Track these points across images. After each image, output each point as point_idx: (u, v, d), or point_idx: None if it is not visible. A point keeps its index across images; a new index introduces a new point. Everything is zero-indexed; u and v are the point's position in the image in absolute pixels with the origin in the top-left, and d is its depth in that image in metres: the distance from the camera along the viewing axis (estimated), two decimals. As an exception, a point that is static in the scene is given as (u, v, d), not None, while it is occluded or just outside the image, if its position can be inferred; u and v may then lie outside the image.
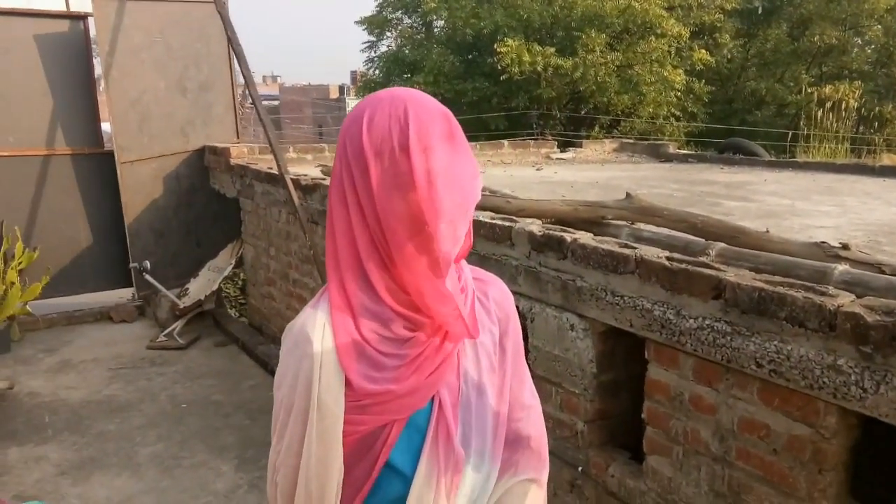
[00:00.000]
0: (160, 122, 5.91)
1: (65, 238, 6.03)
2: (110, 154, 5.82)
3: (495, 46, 12.40)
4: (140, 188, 5.92)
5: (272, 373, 4.97)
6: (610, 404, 2.58)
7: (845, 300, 1.78)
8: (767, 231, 2.47)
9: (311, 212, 4.39)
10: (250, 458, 3.86)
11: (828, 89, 13.87)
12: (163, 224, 6.13)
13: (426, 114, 0.98)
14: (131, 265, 5.87)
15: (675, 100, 14.06)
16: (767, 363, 1.89)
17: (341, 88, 42.66)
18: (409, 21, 18.42)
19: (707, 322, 2.04)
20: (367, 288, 1.01)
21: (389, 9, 18.20)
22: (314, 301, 1.10)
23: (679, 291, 2.11)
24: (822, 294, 1.81)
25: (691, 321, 2.08)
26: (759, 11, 17.24)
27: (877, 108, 14.32)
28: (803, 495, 1.88)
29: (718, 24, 15.97)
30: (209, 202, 6.30)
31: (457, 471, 1.07)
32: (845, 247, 2.29)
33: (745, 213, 3.94)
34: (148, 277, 5.66)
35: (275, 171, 5.06)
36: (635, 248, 2.31)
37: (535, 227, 2.66)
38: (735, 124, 16.23)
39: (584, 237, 2.49)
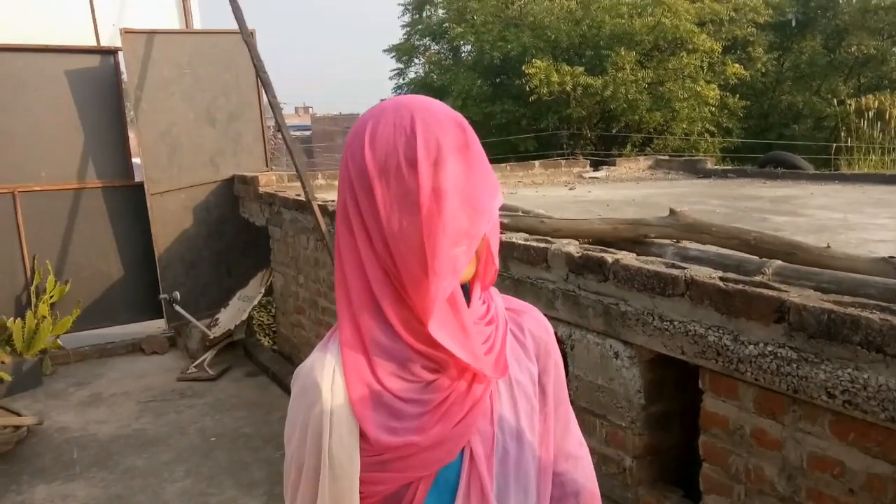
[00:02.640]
0: (190, 153, 5.92)
1: (96, 270, 6.04)
2: (140, 186, 5.83)
3: (523, 68, 12.33)
4: (170, 219, 5.91)
5: (303, 404, 4.88)
6: (660, 438, 2.38)
7: (930, 322, 1.58)
8: (828, 246, 2.27)
9: (339, 238, 4.29)
10: (280, 494, 3.69)
11: (869, 99, 13.47)
12: (193, 254, 6.10)
13: (436, 122, 0.85)
14: (161, 296, 5.84)
15: (709, 115, 13.78)
16: (841, 393, 1.69)
17: (372, 117, 43.12)
18: (437, 47, 18.52)
19: (769, 348, 1.84)
20: (383, 323, 0.88)
21: (417, 36, 18.33)
22: (324, 341, 0.97)
23: (736, 315, 1.92)
24: (903, 315, 1.62)
25: (751, 347, 1.89)
26: (793, 24, 16.89)
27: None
28: (890, 544, 1.66)
29: (751, 38, 15.68)
30: (239, 231, 6.27)
31: None
32: (919, 261, 2.08)
33: (796, 228, 3.72)
34: (178, 308, 5.62)
35: (303, 198, 5.00)
36: (684, 268, 2.13)
37: (573, 247, 2.49)
38: (772, 139, 15.85)
39: (627, 258, 2.32)
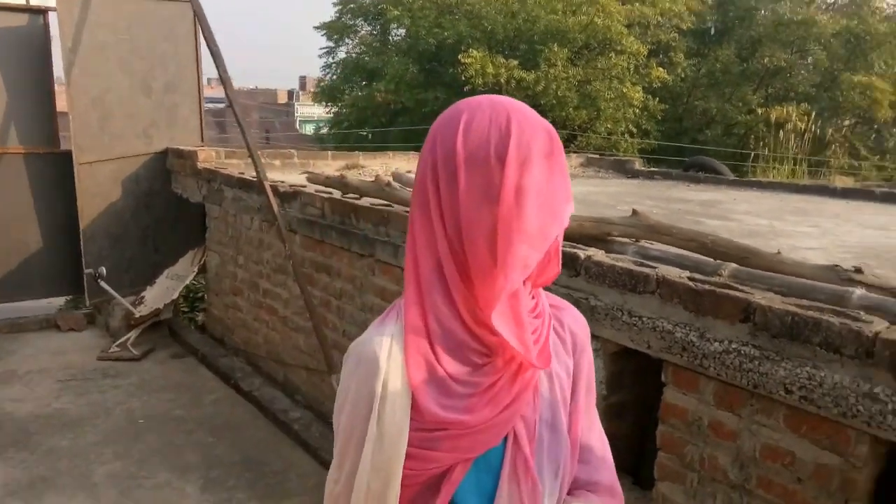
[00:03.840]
0: (122, 123, 5.62)
1: (12, 241, 5.67)
2: (67, 154, 5.50)
3: (459, 57, 12.39)
4: (97, 190, 5.61)
5: (235, 387, 4.79)
6: (616, 427, 2.52)
7: (881, 326, 1.76)
8: (779, 252, 2.46)
9: (289, 220, 4.23)
10: (216, 478, 3.66)
11: (776, 111, 14.40)
12: (119, 228, 5.83)
13: (529, 126, 0.90)
14: (86, 271, 5.55)
15: (632, 116, 14.32)
16: (798, 389, 1.86)
17: (290, 94, 42.12)
18: (369, 28, 18.28)
19: (733, 346, 2.00)
20: (447, 303, 0.93)
21: (349, 15, 18.02)
22: (380, 320, 1.01)
23: (704, 313, 2.07)
24: (857, 319, 1.79)
25: (716, 344, 2.04)
26: (712, 31, 17.76)
27: (818, 130, 14.90)
28: (834, 525, 1.85)
29: (674, 44, 16.37)
30: (169, 206, 6.03)
31: None
32: (858, 270, 2.29)
33: (730, 232, 3.95)
34: (103, 284, 5.36)
35: (246, 176, 4.88)
36: (655, 267, 2.26)
37: (543, 243, 2.58)
38: (686, 142, 16.64)
39: (599, 254, 2.43)
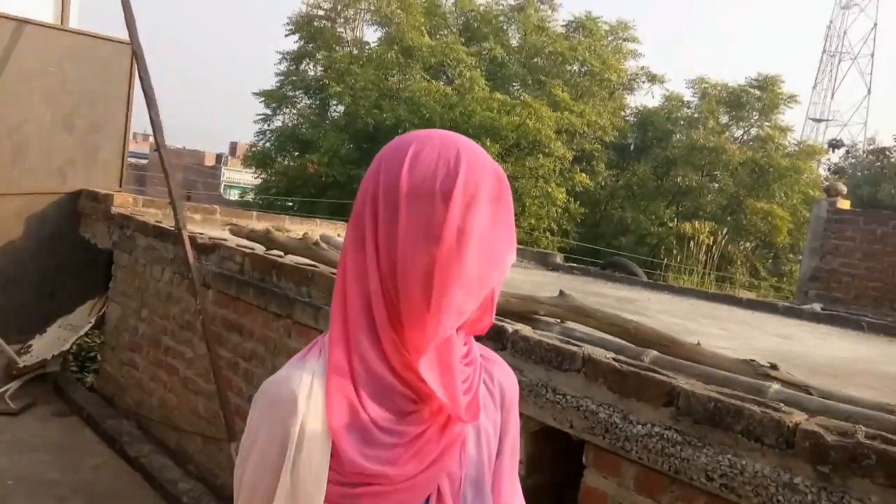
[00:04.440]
0: (37, 158, 5.34)
1: None
2: (-31, 182, 5.14)
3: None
4: (-2, 226, 5.23)
5: (121, 452, 4.38)
6: (532, 511, 2.42)
7: (800, 418, 1.78)
8: (699, 343, 2.50)
9: (204, 273, 4.03)
10: (89, 552, 3.26)
11: (686, 226, 15.33)
12: (15, 269, 5.41)
13: (479, 165, 0.86)
14: (-32, 311, 5.07)
15: (554, 215, 14.88)
16: (719, 477, 1.84)
17: (218, 157, 41.75)
18: (309, 101, 18.53)
19: (656, 429, 1.97)
20: (374, 344, 0.86)
21: (290, 86, 18.25)
22: (301, 355, 0.92)
23: (628, 395, 2.05)
24: (778, 410, 1.81)
25: (639, 427, 2.01)
26: (632, 148, 18.99)
27: (723, 247, 15.92)
28: None
29: (597, 154, 17.36)
30: (74, 252, 5.67)
31: None
32: (773, 367, 2.35)
33: (646, 326, 4.06)
34: (-13, 328, 4.90)
35: (163, 225, 4.66)
36: (580, 345, 2.25)
37: (471, 314, 2.54)
38: (602, 246, 17.40)
39: (526, 329, 2.40)
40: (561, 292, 2.76)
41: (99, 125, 5.65)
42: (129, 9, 4.39)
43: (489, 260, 0.85)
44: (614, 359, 2.15)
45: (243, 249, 3.84)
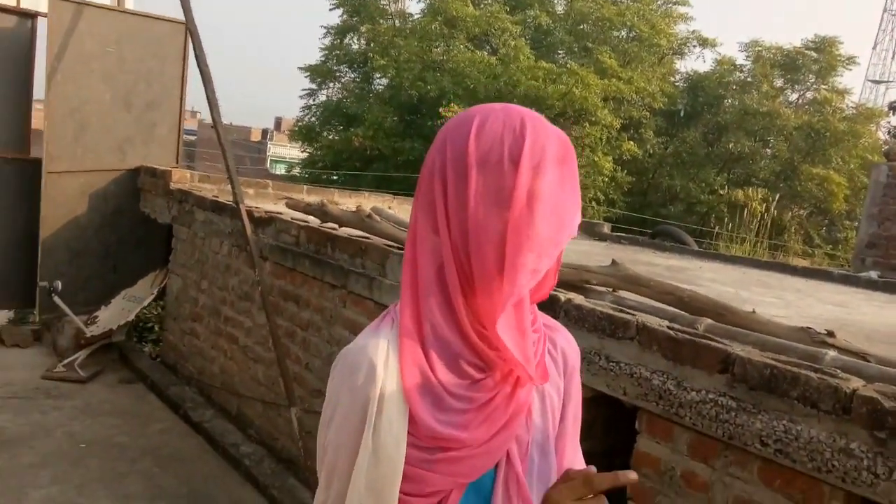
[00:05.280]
0: (98, 136, 5.55)
1: (-36, 246, 5.47)
2: (36, 162, 5.37)
3: (441, 110, 12.64)
4: (63, 201, 5.47)
5: (184, 417, 4.60)
6: (585, 475, 2.47)
7: (858, 384, 1.78)
8: (754, 311, 2.50)
9: (262, 246, 4.16)
10: (160, 509, 3.47)
11: (738, 193, 14.96)
12: (80, 243, 5.66)
13: (543, 130, 0.89)
14: (40, 284, 5.34)
15: (601, 185, 14.69)
16: (773, 442, 1.85)
17: (264, 132, 42.31)
18: (353, 75, 18.60)
19: (710, 396, 1.99)
20: (445, 311, 0.89)
21: (334, 60, 18.33)
22: (374, 326, 0.96)
23: (682, 362, 2.07)
24: (834, 376, 1.81)
25: (693, 394, 2.03)
26: (682, 114, 18.51)
27: (777, 215, 15.50)
28: (805, 584, 1.82)
29: (644, 121, 17.00)
30: (135, 226, 5.90)
31: None
32: (830, 334, 2.34)
33: (698, 295, 4.03)
34: (57, 300, 5.16)
35: (220, 199, 4.81)
36: (634, 314, 2.27)
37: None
38: (649, 215, 17.12)
39: (578, 298, 2.44)
40: (613, 261, 2.77)
41: (155, 103, 5.83)
42: (184, -12, 4.48)
43: (559, 220, 0.88)
44: (669, 327, 2.17)
45: (298, 222, 3.95)
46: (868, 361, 2.20)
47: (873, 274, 7.96)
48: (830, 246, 17.31)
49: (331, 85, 18.58)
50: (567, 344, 1.07)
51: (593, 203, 15.47)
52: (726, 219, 12.28)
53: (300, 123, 18.92)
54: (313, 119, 18.21)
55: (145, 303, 5.59)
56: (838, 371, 1.86)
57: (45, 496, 3.46)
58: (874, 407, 1.69)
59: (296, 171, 21.74)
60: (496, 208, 0.86)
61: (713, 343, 2.02)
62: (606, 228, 8.32)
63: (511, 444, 0.94)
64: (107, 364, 5.39)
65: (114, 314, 5.63)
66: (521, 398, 0.93)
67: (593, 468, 0.96)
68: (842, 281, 6.04)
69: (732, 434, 1.94)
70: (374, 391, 0.88)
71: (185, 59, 5.83)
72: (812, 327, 2.37)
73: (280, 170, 32.82)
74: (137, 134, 5.79)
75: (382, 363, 0.89)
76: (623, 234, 8.58)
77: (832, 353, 2.16)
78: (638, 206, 17.61)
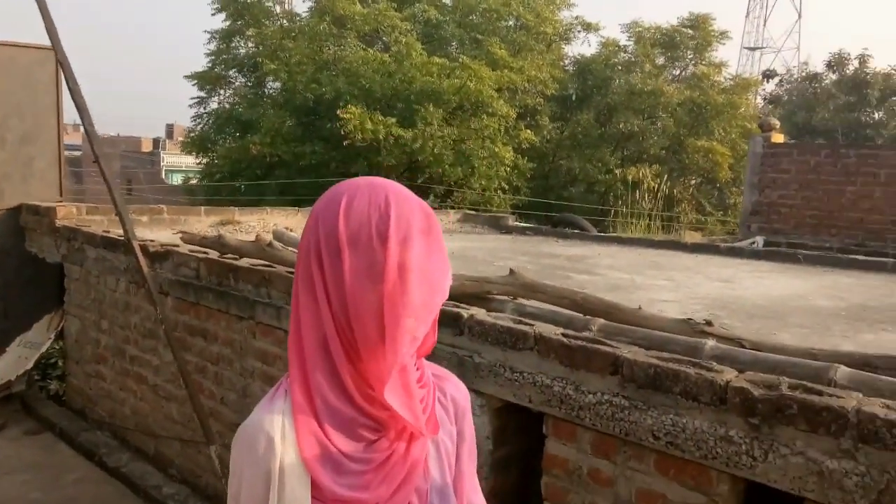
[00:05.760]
0: (-31, 176, 5.19)
1: None
2: None
3: (338, 112, 12.52)
4: (-63, 251, 5.10)
5: (100, 464, 4.43)
6: (503, 481, 2.59)
7: (730, 375, 1.96)
8: (640, 308, 2.68)
9: (160, 281, 4.04)
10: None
11: (632, 171, 15.66)
12: (-37, 292, 5.30)
13: (407, 205, 0.96)
14: (-79, 341, 4.97)
15: (504, 174, 15.00)
16: (664, 435, 2.02)
17: (156, 142, 40.51)
18: (243, 80, 18.08)
19: (605, 397, 2.14)
20: (334, 381, 0.96)
21: (222, 66, 17.75)
22: (267, 399, 1.01)
23: (577, 367, 2.21)
24: (710, 370, 1.99)
25: (590, 396, 2.17)
26: (573, 98, 19.14)
27: (668, 189, 16.36)
28: (702, 561, 2.00)
29: (539, 108, 17.45)
30: (22, 267, 5.56)
31: None
32: (709, 323, 2.54)
33: (595, 286, 4.24)
34: (-56, 355, 4.83)
35: (112, 234, 4.63)
36: (532, 324, 2.39)
37: (427, 303, 2.66)
38: (553, 198, 17.64)
39: (480, 313, 2.54)
40: (511, 270, 2.89)
41: (30, 136, 5.50)
42: (49, 16, 4.25)
43: (430, 287, 0.95)
44: (563, 334, 2.30)
45: (197, 254, 3.86)
46: (744, 347, 2.41)
47: (759, 240, 8.58)
48: (721, 212, 18.42)
49: (221, 91, 18.00)
50: (456, 390, 1.15)
51: (499, 192, 15.79)
52: (624, 196, 12.85)
53: (192, 134, 18.25)
54: (206, 128, 17.61)
55: (43, 348, 5.31)
56: (714, 364, 2.04)
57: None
58: (746, 396, 1.87)
59: (194, 180, 20.96)
60: (370, 282, 0.92)
61: (603, 347, 2.16)
62: (511, 221, 8.54)
63: (412, 496, 1.01)
64: (9, 416, 5.10)
65: (10, 363, 5.31)
66: (415, 453, 1.00)
67: None
68: (728, 253, 6.48)
69: (628, 431, 2.09)
70: (275, 463, 0.93)
71: (58, 86, 5.53)
72: (692, 318, 2.57)
73: (177, 180, 31.50)
74: (14, 170, 5.45)
75: (280, 436, 0.94)
76: (527, 226, 8.83)
77: (711, 342, 2.35)
78: (541, 191, 18.11)
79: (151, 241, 4.30)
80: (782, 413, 1.81)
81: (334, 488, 0.94)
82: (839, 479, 1.73)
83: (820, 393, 1.81)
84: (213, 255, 3.79)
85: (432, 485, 1.05)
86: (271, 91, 17.39)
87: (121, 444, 4.57)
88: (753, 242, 8.55)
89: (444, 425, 1.09)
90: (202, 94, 17.95)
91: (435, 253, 0.97)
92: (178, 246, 4.12)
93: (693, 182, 18.99)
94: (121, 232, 4.20)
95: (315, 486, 0.94)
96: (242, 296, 3.51)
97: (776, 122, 8.98)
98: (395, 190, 0.97)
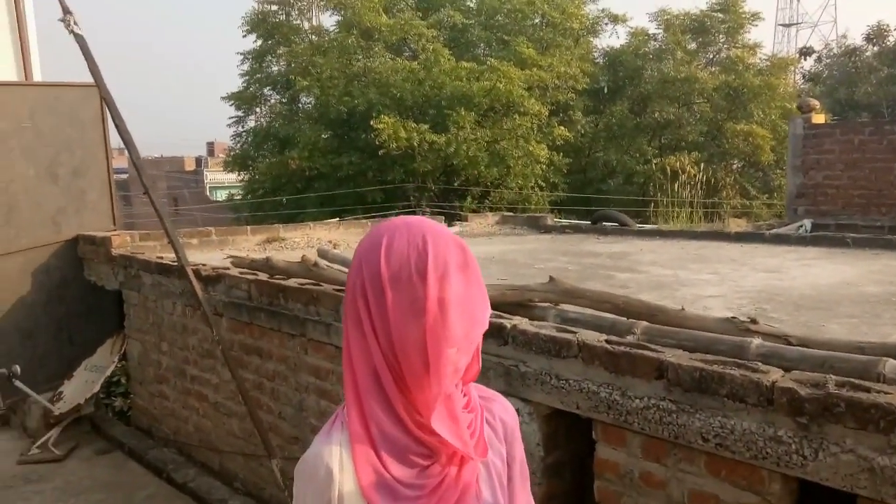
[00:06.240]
0: (29, 212, 5.47)
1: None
2: (-31, 249, 5.28)
3: (372, 123, 12.72)
4: (5, 285, 5.39)
5: (168, 480, 4.62)
6: (556, 486, 2.64)
7: (776, 375, 1.98)
8: (683, 309, 2.70)
9: (214, 303, 4.20)
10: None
11: (671, 160, 15.46)
12: (30, 322, 5.58)
13: (443, 243, 1.02)
14: (-2, 371, 5.26)
15: (539, 171, 15.00)
16: (713, 437, 2.05)
17: (198, 160, 41.50)
18: (277, 97, 18.48)
19: (652, 401, 2.18)
20: (386, 410, 1.02)
21: (256, 85, 18.18)
22: (326, 430, 1.09)
23: (622, 373, 2.25)
24: (756, 370, 2.01)
25: (637, 401, 2.21)
26: (605, 91, 19.00)
27: (711, 176, 16.09)
28: (758, 560, 2.02)
29: (571, 103, 17.40)
30: (83, 295, 5.84)
31: None
32: (753, 321, 2.55)
33: (639, 285, 4.26)
34: (18, 384, 5.09)
35: (165, 261, 4.82)
36: (575, 332, 2.44)
37: (471, 315, 2.74)
38: (591, 192, 17.55)
39: (523, 323, 2.59)
40: (551, 277, 2.94)
41: (81, 170, 5.77)
42: (92, 58, 4.45)
43: (470, 319, 1.02)
44: (607, 341, 2.34)
45: (248, 276, 4.01)
46: (791, 344, 2.41)
47: (807, 223, 8.42)
48: (766, 195, 18.04)
49: (257, 110, 18.44)
50: (504, 411, 1.20)
51: (536, 190, 15.78)
52: (664, 185, 12.71)
53: (233, 152, 18.73)
54: (246, 146, 18.06)
55: (108, 371, 5.54)
56: (759, 364, 2.06)
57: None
58: (793, 396, 1.89)
59: (238, 197, 21.50)
60: (413, 318, 0.99)
61: (647, 352, 2.20)
62: (550, 220, 8.55)
63: None
64: (80, 438, 5.33)
65: (78, 387, 5.56)
66: (466, 477, 1.07)
67: None
68: (774, 241, 6.38)
69: (677, 434, 2.13)
70: (334, 493, 1.01)
71: (103, 121, 5.79)
72: (736, 317, 2.58)
73: (221, 196, 32.23)
74: (68, 204, 5.73)
75: (338, 467, 1.02)
76: (567, 223, 8.82)
77: (757, 341, 2.36)
78: (579, 185, 18.03)
79: (203, 265, 4.47)
80: (830, 412, 1.82)
81: None
82: (891, 476, 1.74)
83: (868, 390, 1.82)
84: (263, 276, 3.93)
85: (485, 503, 1.11)
86: (305, 106, 17.76)
87: (187, 460, 4.75)
88: (801, 226, 8.39)
89: (493, 445, 1.15)
90: (239, 113, 18.43)
91: (473, 286, 1.03)
92: (228, 269, 4.28)
93: (735, 167, 18.66)
94: (174, 257, 4.38)
95: None
96: (293, 314, 3.64)
97: (815, 103, 8.78)
98: (432, 228, 1.04)
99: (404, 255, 1.00)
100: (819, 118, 8.99)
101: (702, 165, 13.06)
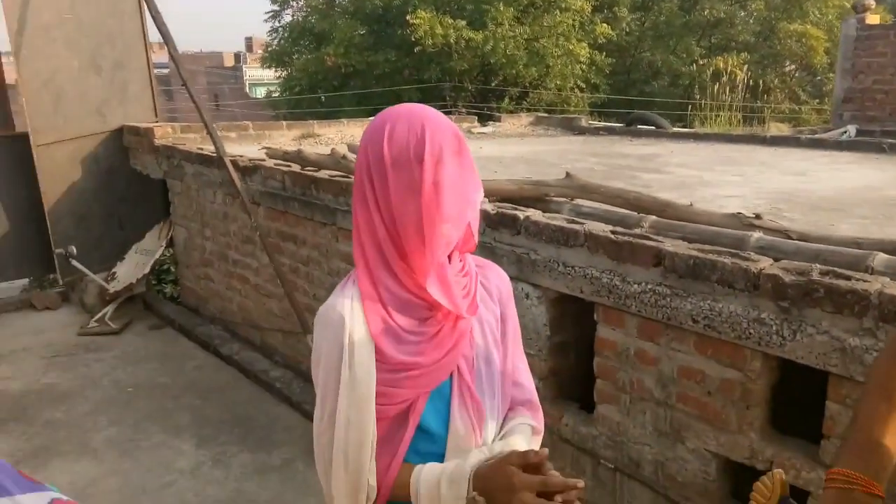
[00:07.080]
0: (75, 103, 5.69)
1: (-24, 226, 5.75)
2: (24, 136, 5.56)
3: (408, 18, 12.45)
4: (57, 171, 5.70)
5: (215, 353, 5.05)
6: (560, 363, 2.88)
7: (765, 264, 2.13)
8: (691, 204, 2.81)
9: (252, 193, 4.44)
10: (208, 435, 3.94)
11: (718, 61, 14.86)
12: (83, 208, 5.93)
13: (440, 130, 1.16)
14: (56, 251, 5.67)
15: (580, 72, 14.61)
16: (702, 319, 2.23)
17: (237, 56, 41.06)
18: (314, -10, 18.05)
19: (649, 286, 2.35)
20: (390, 273, 1.19)
21: (293, -23, 17.77)
22: (341, 287, 1.27)
23: (624, 261, 2.41)
24: (746, 259, 2.16)
25: (635, 286, 2.39)
26: (654, -15, 18.07)
27: (760, 79, 15.47)
28: (734, 428, 2.24)
29: (617, -2, 16.65)
30: (130, 184, 6.14)
31: (480, 419, 1.29)
32: (758, 216, 2.66)
33: (661, 184, 4.34)
34: (75, 263, 5.51)
35: (206, 151, 5.04)
36: (582, 223, 2.59)
37: (489, 206, 2.90)
38: (634, 95, 17.05)
39: (536, 214, 2.75)
40: (567, 173, 3.06)
41: (122, 62, 5.92)
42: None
43: (462, 199, 1.17)
44: (611, 231, 2.49)
45: (282, 167, 4.21)
46: (790, 238, 2.53)
47: (851, 129, 8.19)
48: (817, 101, 17.33)
49: (293, 3, 18.09)
50: (499, 278, 1.38)
51: (576, 91, 15.42)
52: (709, 89, 12.33)
53: (270, 48, 18.58)
54: (282, 42, 17.88)
55: (157, 255, 5.92)
56: (751, 254, 2.20)
57: (107, 437, 3.91)
58: (777, 282, 2.04)
59: (276, 93, 21.50)
60: (411, 197, 1.14)
61: (647, 242, 2.35)
62: (584, 122, 8.49)
63: (460, 360, 1.27)
64: (134, 314, 5.80)
65: (130, 269, 5.98)
66: (461, 327, 1.26)
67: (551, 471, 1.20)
68: (809, 145, 6.30)
69: (670, 316, 2.31)
70: (345, 337, 1.19)
71: (142, 13, 5.87)
72: (742, 212, 2.69)
73: (260, 93, 32.18)
74: (112, 95, 5.92)
75: (349, 315, 1.20)
76: (600, 125, 8.74)
77: (757, 234, 2.49)
78: (622, 87, 17.51)
79: (241, 156, 4.67)
80: (810, 296, 1.97)
81: (395, 354, 1.20)
82: (860, 355, 1.90)
83: (848, 278, 1.96)
84: (296, 167, 4.12)
85: (477, 352, 1.30)
86: (343, 0, 17.34)
87: (231, 336, 5.17)
88: (845, 132, 8.17)
89: (486, 304, 1.33)
90: (275, 7, 18.12)
91: (465, 170, 1.18)
92: (264, 160, 4.48)
93: (788, 69, 17.85)
94: (213, 148, 4.60)
95: (379, 353, 1.20)
96: (324, 204, 3.85)
97: (871, 2, 8.31)
98: (430, 116, 1.17)
99: (404, 140, 1.13)
100: (874, 18, 8.54)
101: (746, 68, 12.53)
